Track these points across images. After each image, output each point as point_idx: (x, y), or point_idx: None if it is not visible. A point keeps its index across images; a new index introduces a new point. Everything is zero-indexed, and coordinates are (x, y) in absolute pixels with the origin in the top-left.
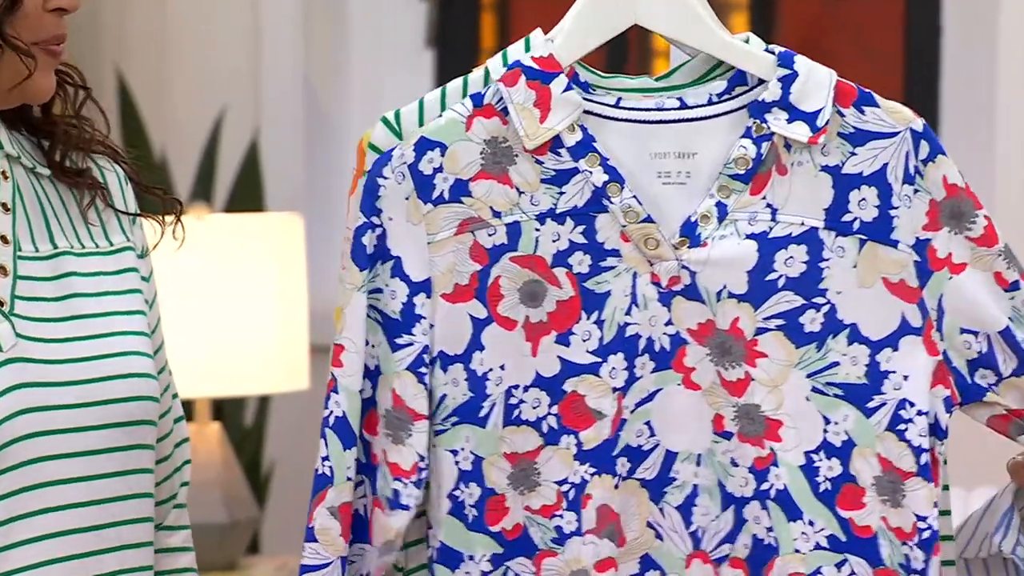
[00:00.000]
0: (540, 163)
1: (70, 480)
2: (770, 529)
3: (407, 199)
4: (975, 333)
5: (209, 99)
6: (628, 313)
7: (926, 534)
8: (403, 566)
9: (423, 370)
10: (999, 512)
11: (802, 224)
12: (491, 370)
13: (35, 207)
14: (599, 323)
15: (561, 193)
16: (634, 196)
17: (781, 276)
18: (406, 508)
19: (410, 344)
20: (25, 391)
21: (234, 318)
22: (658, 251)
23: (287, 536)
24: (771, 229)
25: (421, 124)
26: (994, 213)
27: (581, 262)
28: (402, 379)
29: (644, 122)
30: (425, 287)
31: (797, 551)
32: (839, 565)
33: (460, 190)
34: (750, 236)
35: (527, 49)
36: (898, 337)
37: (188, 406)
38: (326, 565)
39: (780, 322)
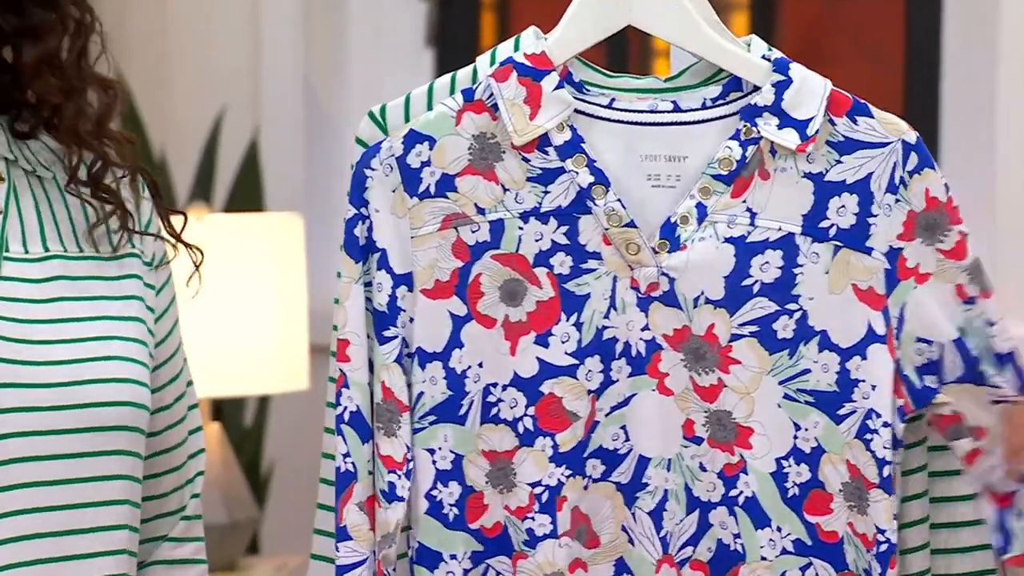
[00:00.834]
0: (527, 161)
1: (43, 483)
2: (737, 536)
3: (393, 192)
4: (930, 342)
5: (209, 99)
6: (606, 316)
7: (883, 547)
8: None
9: (405, 362)
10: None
11: (780, 229)
12: (469, 367)
13: (30, 209)
14: (578, 325)
15: (546, 192)
16: (619, 199)
17: (756, 282)
18: (402, 500)
19: (396, 337)
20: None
21: (234, 318)
22: (639, 256)
23: (287, 536)
24: (749, 233)
25: (407, 120)
26: (994, 213)
27: (563, 263)
28: (390, 371)
29: (636, 123)
30: (407, 280)
31: (763, 558)
32: (804, 569)
33: (446, 185)
34: (728, 240)
35: (516, 48)
36: (866, 345)
37: None
38: (363, 562)
39: (754, 328)
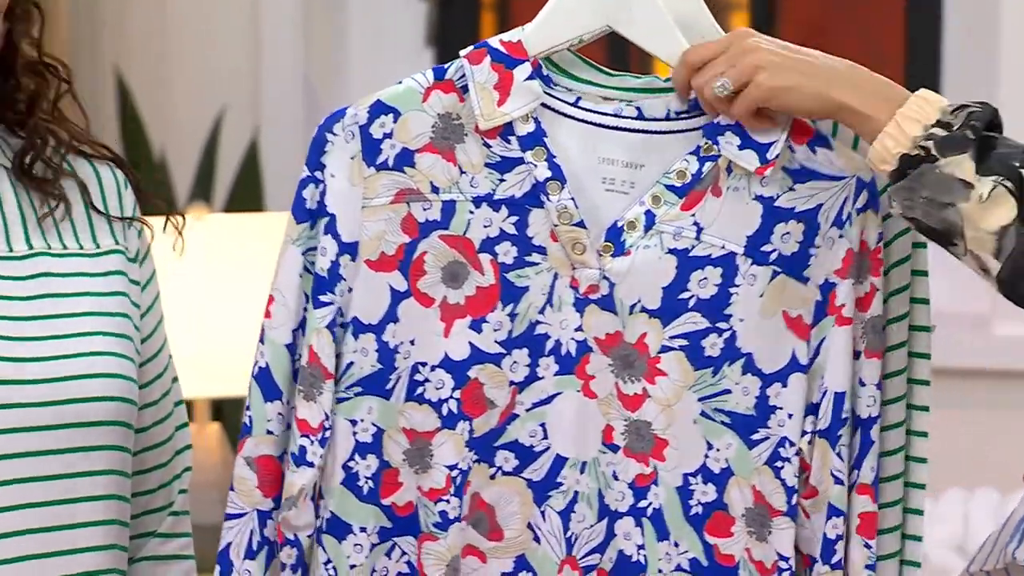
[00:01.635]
0: (488, 147)
1: (24, 480)
2: (641, 547)
3: (352, 159)
4: (822, 382)
5: (209, 99)
6: (541, 312)
7: (785, 574)
8: None
9: (337, 331)
10: (1014, 521)
11: (723, 247)
12: (401, 344)
13: (12, 207)
14: (512, 316)
15: (502, 180)
16: (572, 198)
17: (693, 296)
18: (311, 465)
19: (331, 304)
20: None
21: (234, 318)
22: (583, 257)
23: None
24: (693, 247)
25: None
26: None
27: (507, 252)
28: (320, 336)
29: (599, 125)
30: (352, 249)
31: (660, 572)
32: None
33: (405, 159)
34: (672, 251)
35: None
36: (788, 373)
37: (188, 406)
38: (242, 515)
39: (683, 342)
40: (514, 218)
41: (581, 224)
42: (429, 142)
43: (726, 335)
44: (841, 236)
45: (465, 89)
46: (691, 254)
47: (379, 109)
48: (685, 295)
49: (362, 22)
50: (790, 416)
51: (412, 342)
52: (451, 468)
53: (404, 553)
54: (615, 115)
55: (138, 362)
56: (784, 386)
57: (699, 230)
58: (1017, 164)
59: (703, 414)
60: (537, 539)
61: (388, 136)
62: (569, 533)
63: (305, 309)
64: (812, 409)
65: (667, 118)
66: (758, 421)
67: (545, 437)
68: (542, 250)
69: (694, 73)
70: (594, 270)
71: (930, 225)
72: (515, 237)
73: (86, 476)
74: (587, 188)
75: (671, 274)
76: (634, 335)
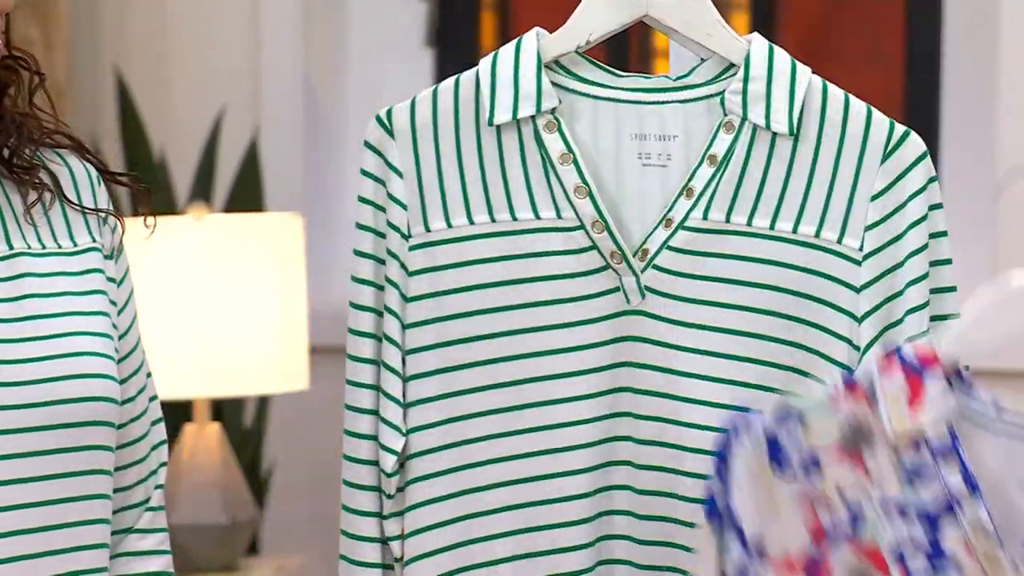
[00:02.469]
0: (898, 454)
1: (16, 481)
2: None
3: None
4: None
5: (209, 99)
6: None
7: None
8: (400, 556)
9: None
10: None
11: None
12: None
13: None
14: None
15: (912, 488)
16: (987, 511)
17: None
18: None
19: None
20: None
21: (234, 318)
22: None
23: (287, 537)
24: None
25: (412, 122)
26: (995, 213)
27: (919, 564)
28: None
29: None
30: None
31: None
32: None
33: (812, 464)
34: None
35: (517, 50)
36: None
37: (187, 406)
38: None
39: None
40: (926, 528)
41: (997, 538)
42: (837, 446)
43: None
44: None
45: (874, 396)
46: None
47: (786, 414)
48: None
49: (362, 22)
50: None
51: None
52: None
53: None
54: None
55: (116, 360)
56: None
57: None
58: None
59: None
60: None
61: (795, 442)
62: None
63: None
64: None
65: None
66: None
67: None
68: (957, 566)
69: None
70: None
71: None
72: (927, 549)
73: (75, 476)
74: (1005, 496)
75: None
76: None
